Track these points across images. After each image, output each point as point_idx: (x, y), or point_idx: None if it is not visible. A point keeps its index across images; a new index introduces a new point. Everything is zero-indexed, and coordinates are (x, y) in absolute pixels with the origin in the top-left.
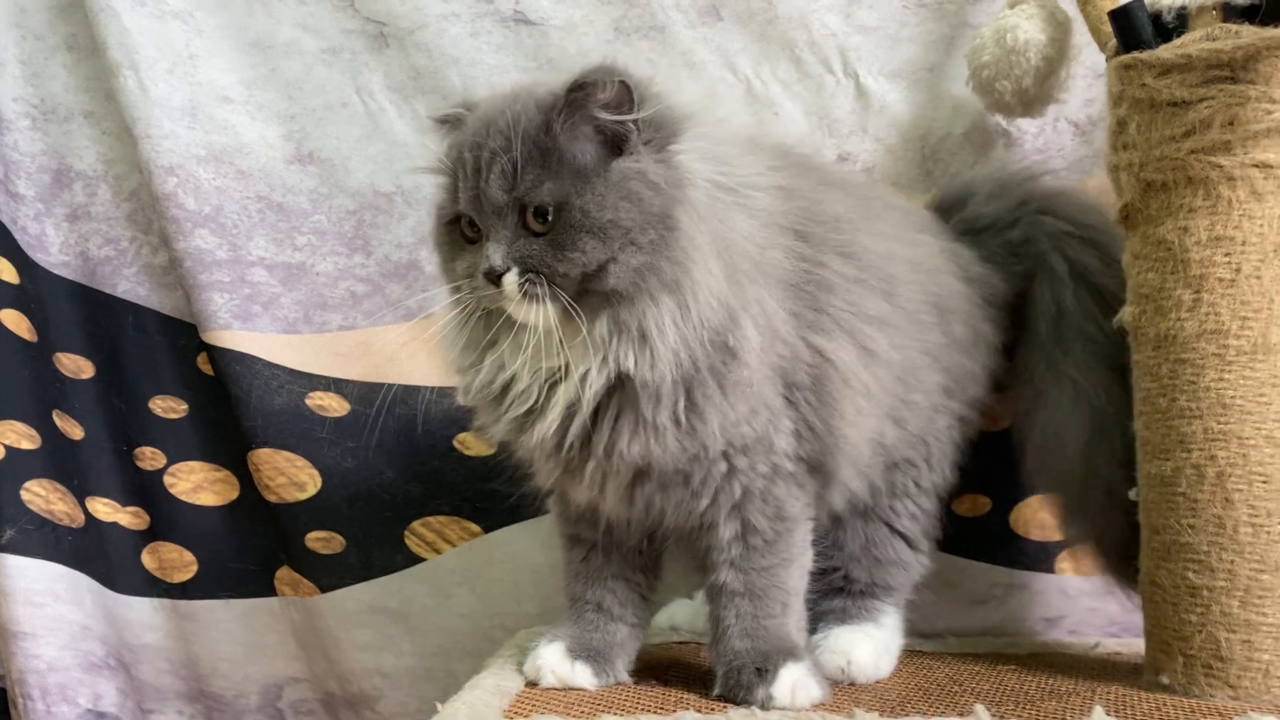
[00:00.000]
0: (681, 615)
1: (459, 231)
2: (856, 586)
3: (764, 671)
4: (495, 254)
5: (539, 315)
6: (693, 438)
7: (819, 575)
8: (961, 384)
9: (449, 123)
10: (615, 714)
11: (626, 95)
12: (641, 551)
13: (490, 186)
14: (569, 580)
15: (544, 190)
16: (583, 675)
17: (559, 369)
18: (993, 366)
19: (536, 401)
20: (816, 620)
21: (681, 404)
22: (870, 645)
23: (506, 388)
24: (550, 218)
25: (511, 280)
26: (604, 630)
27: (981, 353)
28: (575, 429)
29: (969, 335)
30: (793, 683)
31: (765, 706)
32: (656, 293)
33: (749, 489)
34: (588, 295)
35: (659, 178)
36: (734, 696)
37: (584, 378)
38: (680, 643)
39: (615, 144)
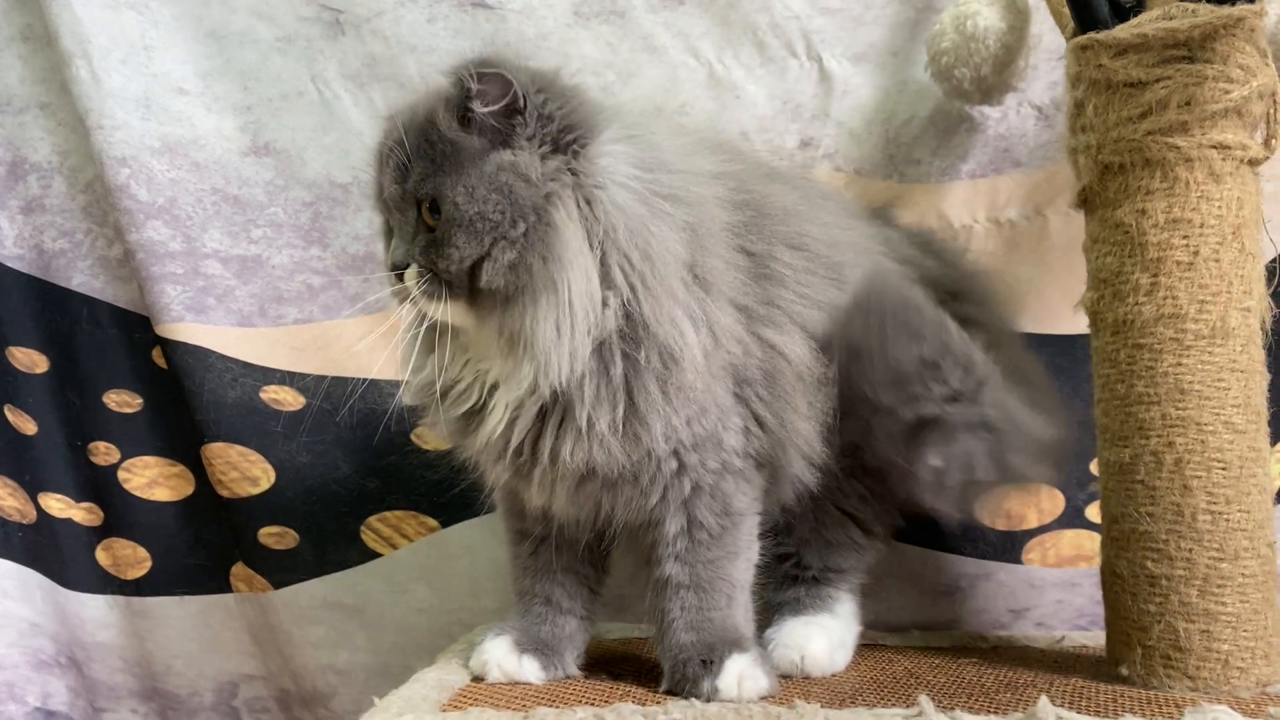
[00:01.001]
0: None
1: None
2: (810, 573)
3: (709, 663)
4: (397, 249)
5: (443, 313)
6: (636, 443)
7: (774, 564)
8: None
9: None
10: (553, 707)
11: (507, 89)
12: (590, 546)
13: (387, 180)
14: (516, 574)
15: (427, 184)
16: (530, 669)
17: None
18: None
19: (477, 403)
20: (771, 613)
21: (621, 410)
22: (825, 639)
23: (450, 388)
24: (439, 213)
25: (411, 275)
26: (552, 623)
27: None
28: (518, 433)
29: None
30: (739, 674)
31: (711, 699)
32: (536, 293)
33: (698, 484)
34: (480, 295)
35: (532, 170)
36: (680, 690)
37: (497, 384)
38: (640, 637)
39: (500, 139)
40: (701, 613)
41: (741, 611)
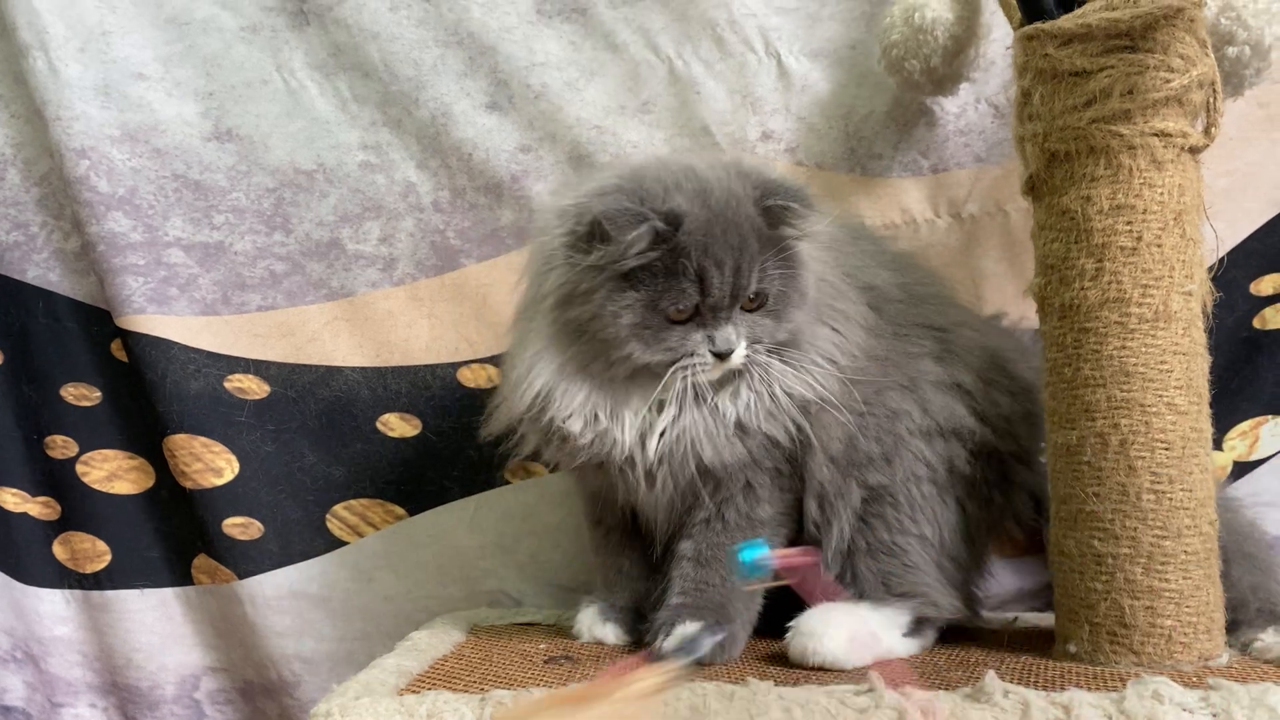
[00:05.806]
0: None
1: (660, 316)
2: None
3: (665, 626)
4: (732, 334)
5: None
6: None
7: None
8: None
9: (653, 229)
10: (509, 689)
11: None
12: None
13: (737, 283)
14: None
15: (773, 279)
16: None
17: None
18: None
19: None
20: None
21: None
22: (844, 631)
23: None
24: (768, 298)
25: (740, 354)
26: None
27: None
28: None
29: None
30: (681, 636)
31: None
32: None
33: (747, 482)
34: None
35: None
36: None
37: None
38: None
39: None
40: (695, 583)
41: (736, 592)
